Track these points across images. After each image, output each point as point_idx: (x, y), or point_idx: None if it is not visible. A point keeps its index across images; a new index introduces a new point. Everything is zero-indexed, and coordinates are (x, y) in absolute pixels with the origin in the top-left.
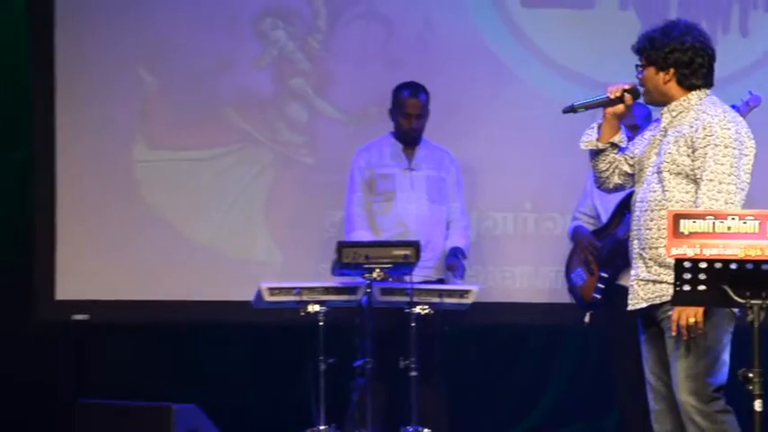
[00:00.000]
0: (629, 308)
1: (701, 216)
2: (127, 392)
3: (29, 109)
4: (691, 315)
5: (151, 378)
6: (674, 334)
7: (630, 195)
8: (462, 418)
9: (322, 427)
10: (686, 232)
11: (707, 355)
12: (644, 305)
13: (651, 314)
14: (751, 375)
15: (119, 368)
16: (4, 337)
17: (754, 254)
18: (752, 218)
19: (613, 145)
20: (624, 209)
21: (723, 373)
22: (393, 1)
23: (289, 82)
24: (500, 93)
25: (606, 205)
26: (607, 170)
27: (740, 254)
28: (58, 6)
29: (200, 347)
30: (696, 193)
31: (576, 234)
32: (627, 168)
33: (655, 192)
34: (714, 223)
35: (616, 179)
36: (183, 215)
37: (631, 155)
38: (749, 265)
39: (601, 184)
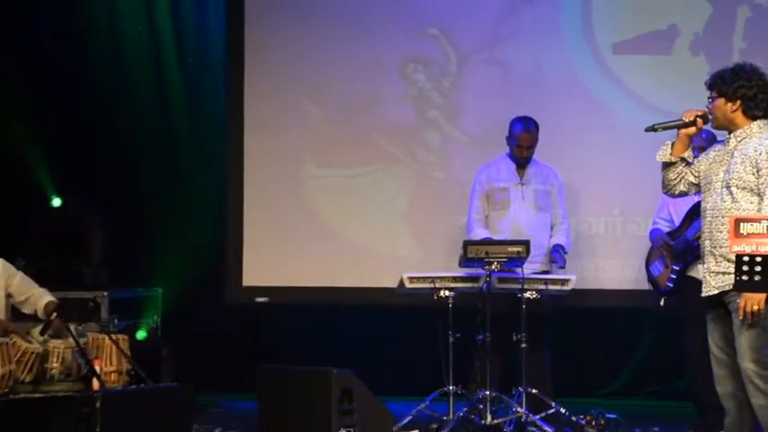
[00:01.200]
0: (703, 294)
1: (758, 220)
2: (297, 359)
3: (223, 136)
4: (755, 303)
5: (316, 347)
6: (741, 318)
7: (698, 205)
8: (563, 381)
9: (451, 388)
10: (745, 233)
11: (766, 331)
12: (715, 292)
13: (719, 299)
14: None
15: (291, 340)
16: (203, 315)
17: None
18: None
19: (683, 159)
20: (693, 215)
21: None
22: (509, 49)
23: (426, 114)
24: (594, 121)
25: (678, 213)
26: (675, 179)
27: None
28: (247, 55)
29: (353, 324)
30: (759, 204)
31: (654, 234)
32: (692, 179)
33: (725, 202)
34: (765, 226)
35: (681, 187)
36: (341, 220)
37: (696, 170)
38: None
39: (668, 190)
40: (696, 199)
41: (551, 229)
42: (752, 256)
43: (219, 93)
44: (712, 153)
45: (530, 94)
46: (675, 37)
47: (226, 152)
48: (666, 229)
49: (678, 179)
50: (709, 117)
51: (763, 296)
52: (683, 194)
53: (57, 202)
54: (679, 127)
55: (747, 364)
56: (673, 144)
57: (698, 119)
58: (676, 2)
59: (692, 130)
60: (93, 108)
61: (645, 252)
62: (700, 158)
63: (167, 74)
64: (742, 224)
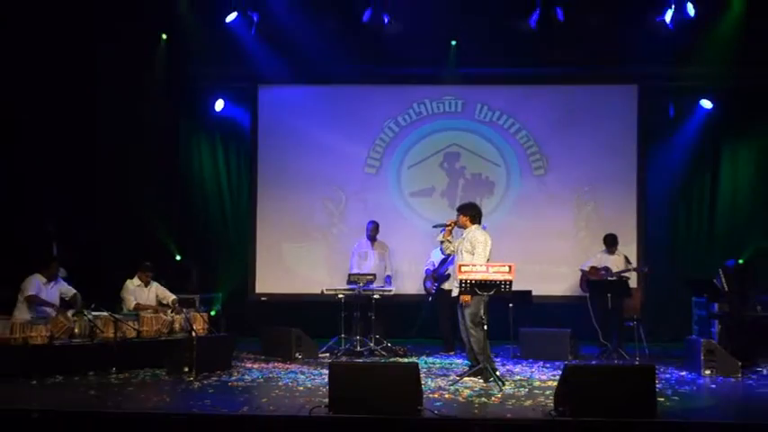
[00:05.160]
0: (453, 295)
1: (467, 264)
2: (278, 323)
3: (248, 228)
4: (464, 299)
5: (286, 319)
6: (463, 304)
7: (444, 259)
8: (389, 332)
9: (342, 336)
10: (463, 270)
11: (474, 309)
12: (456, 293)
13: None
14: (483, 315)
15: (275, 315)
16: (234, 309)
17: (485, 278)
18: (483, 266)
19: (448, 241)
20: (442, 264)
21: (480, 314)
22: (368, 193)
23: (332, 220)
24: (403, 225)
25: (436, 262)
26: (447, 249)
27: (480, 278)
28: (259, 196)
29: (303, 309)
30: (472, 258)
31: (427, 270)
32: (452, 248)
33: (462, 259)
34: (472, 268)
35: (449, 251)
36: (298, 265)
37: (453, 245)
38: (478, 282)
39: (446, 253)
40: (444, 257)
41: (385, 269)
42: (467, 280)
43: (247, 212)
44: (460, 239)
45: (377, 213)
46: (434, 191)
47: (250, 235)
48: (432, 268)
49: (447, 248)
50: (458, 223)
51: (468, 296)
52: (450, 255)
53: (178, 257)
54: (444, 226)
55: (467, 327)
56: (444, 234)
57: (453, 223)
58: (435, 176)
59: (450, 227)
60: (191, 213)
61: (423, 278)
62: (457, 240)
63: (224, 197)
64: (462, 267)
